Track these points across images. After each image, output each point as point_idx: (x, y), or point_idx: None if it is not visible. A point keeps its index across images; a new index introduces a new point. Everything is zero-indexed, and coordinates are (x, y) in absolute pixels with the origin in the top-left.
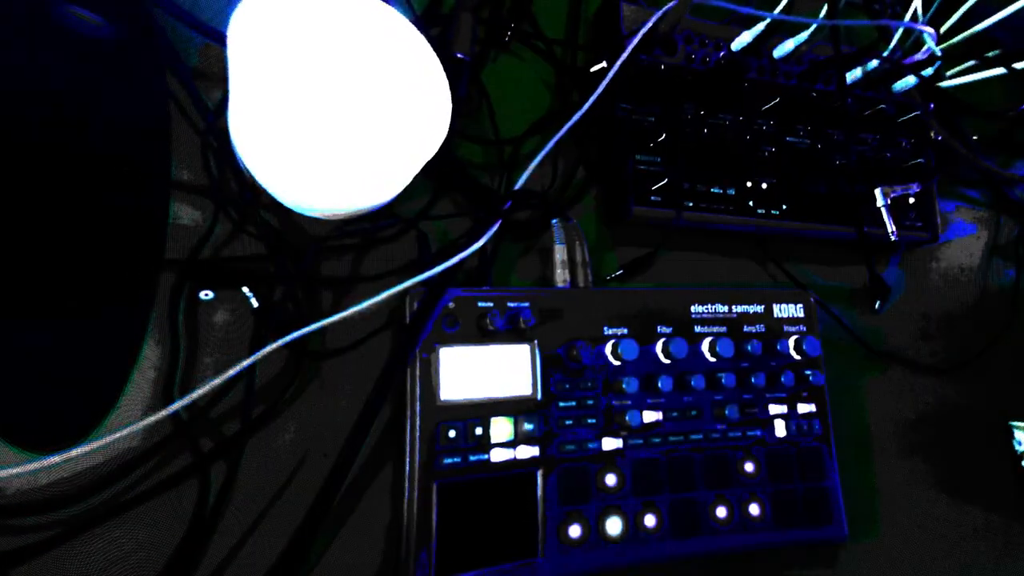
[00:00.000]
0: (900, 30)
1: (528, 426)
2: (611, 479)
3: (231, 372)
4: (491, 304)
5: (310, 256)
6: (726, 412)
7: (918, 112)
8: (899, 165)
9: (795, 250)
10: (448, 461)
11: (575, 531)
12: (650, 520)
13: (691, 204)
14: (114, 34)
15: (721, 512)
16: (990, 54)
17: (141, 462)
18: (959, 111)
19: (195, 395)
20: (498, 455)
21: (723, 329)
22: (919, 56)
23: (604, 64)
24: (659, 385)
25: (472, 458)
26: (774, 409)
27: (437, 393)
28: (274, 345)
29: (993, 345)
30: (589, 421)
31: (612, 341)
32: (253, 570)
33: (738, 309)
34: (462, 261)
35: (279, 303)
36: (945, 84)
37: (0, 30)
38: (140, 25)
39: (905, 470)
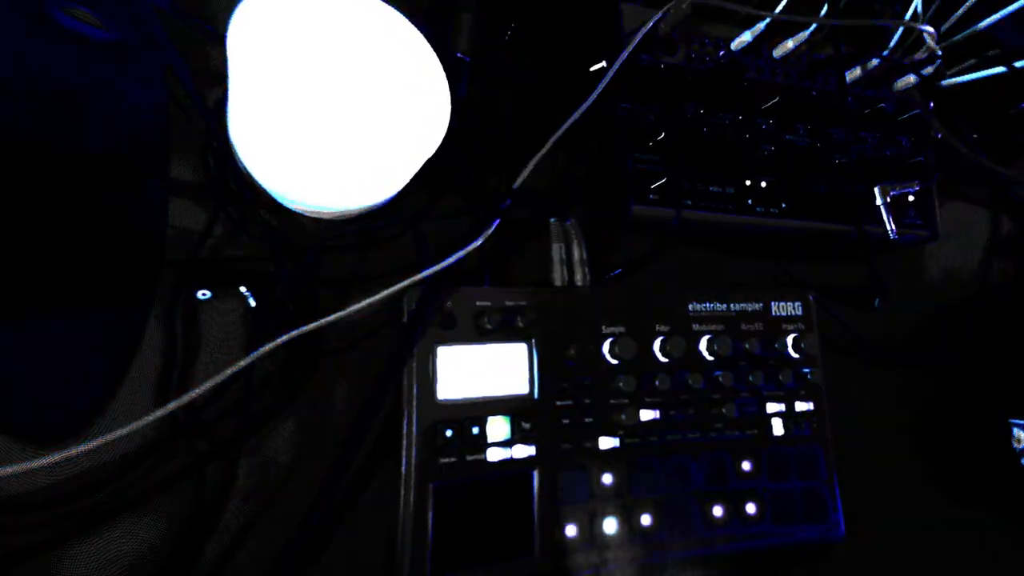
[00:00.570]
0: (900, 29)
1: (525, 425)
2: (607, 478)
3: (228, 372)
4: (489, 303)
5: (308, 256)
6: (723, 411)
7: (918, 111)
8: (899, 164)
9: (795, 248)
10: (444, 461)
11: (571, 531)
12: (646, 520)
13: (690, 203)
14: (114, 33)
15: (718, 511)
16: (990, 53)
17: (137, 463)
18: (959, 110)
19: (192, 395)
20: (495, 454)
21: (721, 327)
22: (919, 55)
23: (603, 64)
24: (656, 384)
25: (469, 458)
26: (772, 408)
27: (434, 392)
28: (272, 345)
29: (992, 343)
30: (586, 420)
31: (610, 340)
32: (250, 571)
33: (736, 307)
34: (460, 260)
35: (277, 303)
36: (945, 83)
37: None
38: (140, 25)
39: (903, 468)
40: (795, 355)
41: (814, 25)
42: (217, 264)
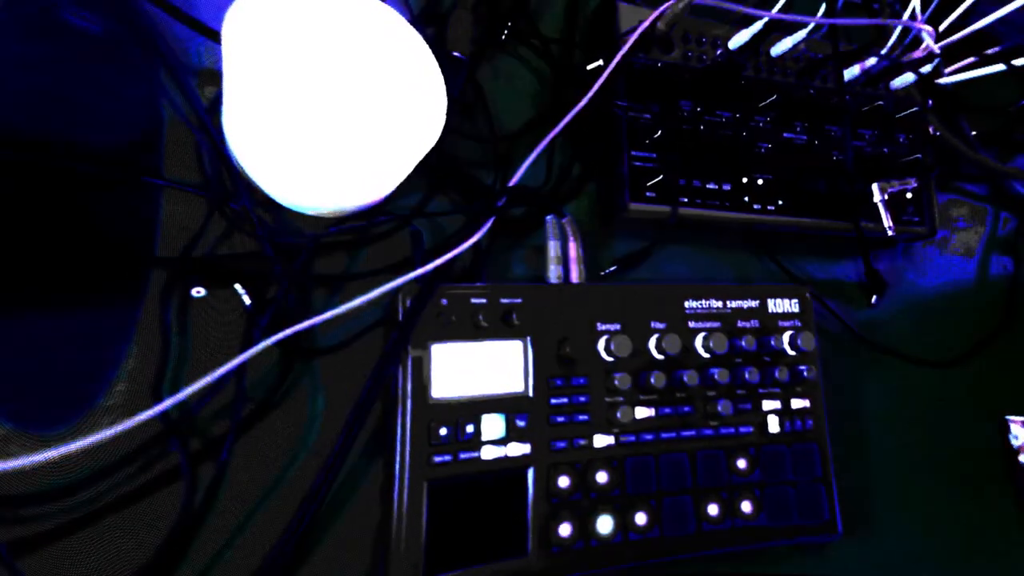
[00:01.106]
0: (898, 28)
1: (520, 423)
2: (602, 477)
3: (222, 370)
4: (484, 300)
5: (303, 253)
6: (719, 408)
7: (916, 108)
8: (897, 161)
9: (792, 245)
10: (439, 459)
11: (565, 530)
12: (641, 518)
13: (686, 200)
14: (106, 29)
15: (713, 510)
16: (990, 51)
17: (128, 462)
18: (958, 107)
19: (185, 393)
20: (489, 453)
21: (717, 324)
22: (917, 54)
23: (600, 62)
24: (652, 381)
25: (463, 456)
26: (768, 405)
27: (429, 390)
28: (266, 343)
29: (990, 339)
30: (581, 418)
31: (605, 337)
32: (240, 571)
33: (732, 304)
34: (456, 258)
35: (272, 301)
36: (944, 81)
37: None
38: (133, 21)
39: (900, 465)
40: (791, 352)
41: (812, 24)
42: (211, 262)
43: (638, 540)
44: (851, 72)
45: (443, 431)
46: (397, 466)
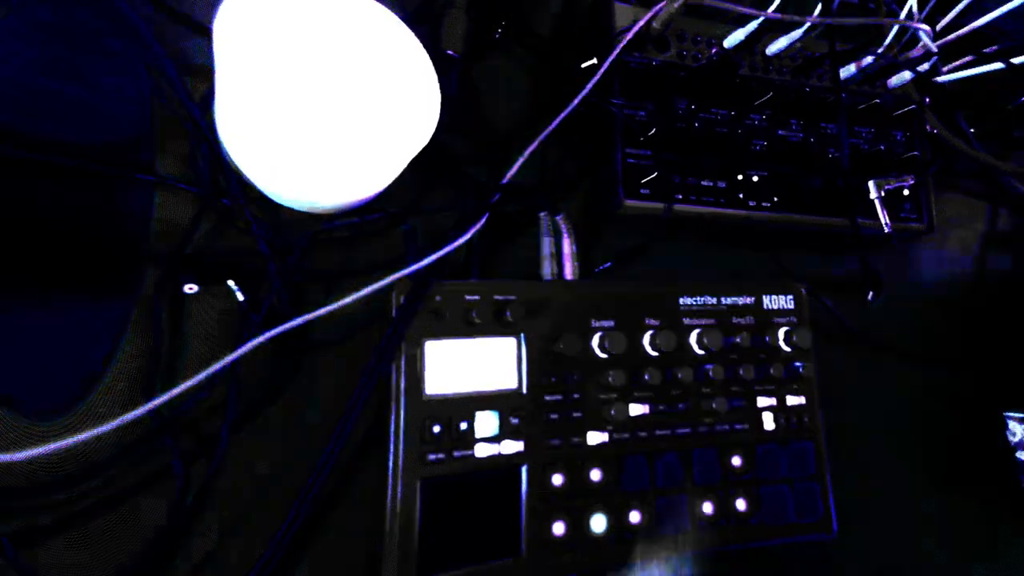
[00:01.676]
0: (895, 28)
1: (513, 420)
2: (596, 474)
3: (215, 367)
4: (478, 297)
5: (296, 250)
6: (714, 405)
7: (913, 107)
8: (894, 158)
9: (788, 242)
10: (432, 457)
11: (559, 528)
12: (635, 517)
13: (681, 197)
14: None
15: (708, 508)
16: (988, 50)
17: (120, 459)
18: (956, 105)
19: (177, 391)
20: (483, 450)
21: (712, 321)
22: (915, 53)
23: (595, 60)
24: (646, 378)
25: (457, 454)
26: (763, 402)
27: (422, 387)
28: (259, 339)
29: (986, 336)
30: (575, 415)
31: (599, 334)
32: (235, 569)
33: (727, 301)
34: (449, 254)
35: (265, 297)
36: (942, 79)
37: None
38: (124, 18)
39: (897, 463)
40: (787, 349)
41: (807, 24)
42: (205, 258)
43: (632, 538)
44: (847, 70)
45: (436, 428)
46: (391, 464)
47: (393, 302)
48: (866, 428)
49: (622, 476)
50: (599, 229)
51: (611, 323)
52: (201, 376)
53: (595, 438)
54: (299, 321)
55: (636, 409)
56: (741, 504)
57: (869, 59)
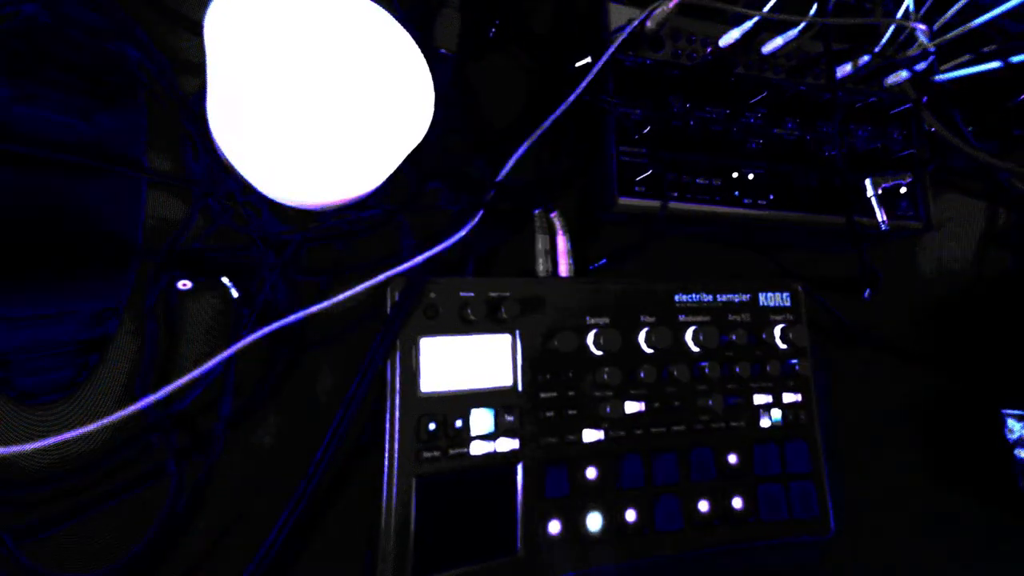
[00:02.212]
0: (892, 27)
1: (508, 418)
2: (591, 473)
3: (209, 364)
4: (472, 294)
5: (291, 246)
6: (709, 403)
7: (910, 105)
8: (890, 156)
9: (785, 240)
10: (427, 455)
11: (554, 527)
12: (631, 515)
13: (676, 194)
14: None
15: (704, 506)
16: (986, 49)
17: (113, 457)
18: (954, 103)
19: (171, 388)
20: (478, 448)
21: (707, 319)
22: (912, 52)
23: (589, 59)
24: (642, 376)
25: (452, 452)
26: (759, 400)
27: (418, 385)
28: (254, 336)
29: (984, 334)
30: (570, 413)
31: (594, 331)
32: (230, 568)
33: (723, 298)
34: (444, 251)
35: (260, 294)
36: (940, 78)
37: None
38: (116, 14)
39: (894, 460)
40: (783, 346)
41: (803, 24)
42: (198, 254)
43: (628, 537)
44: (843, 69)
45: (432, 426)
46: (386, 462)
47: (388, 299)
48: (863, 426)
49: (618, 474)
50: (594, 226)
51: (606, 320)
52: (195, 373)
53: (591, 436)
54: (294, 318)
55: (632, 407)
56: (737, 503)
57: (865, 58)
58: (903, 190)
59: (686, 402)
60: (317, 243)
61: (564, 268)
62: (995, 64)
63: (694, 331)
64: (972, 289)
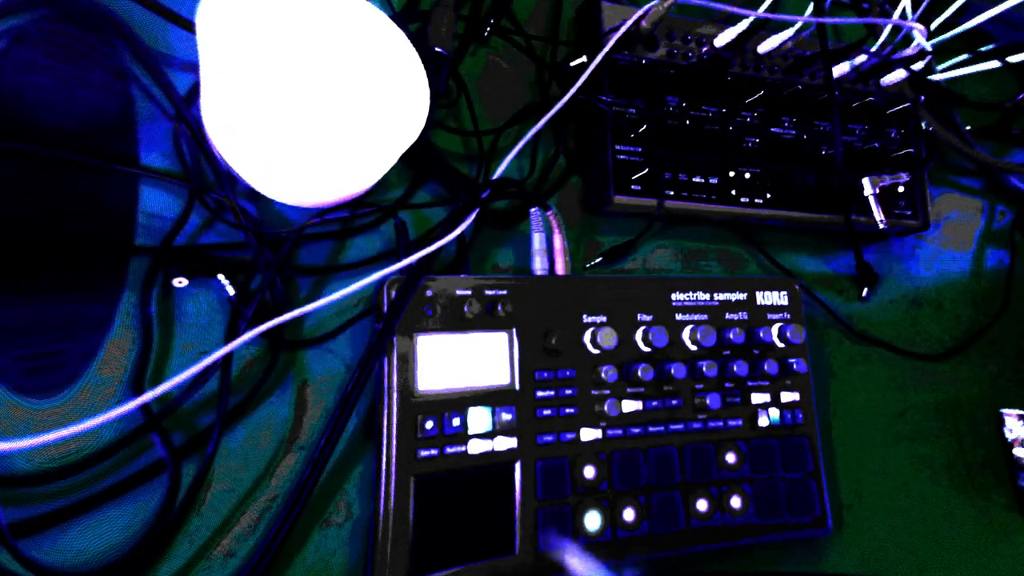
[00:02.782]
0: (888, 27)
1: (506, 416)
2: (589, 471)
3: (205, 362)
4: (469, 292)
5: (286, 244)
6: (707, 402)
7: (907, 104)
8: (888, 155)
9: (782, 239)
10: (425, 454)
11: (553, 526)
12: (629, 514)
13: (672, 193)
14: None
15: (702, 505)
16: (984, 48)
17: (108, 456)
18: (952, 103)
19: (167, 385)
20: (476, 447)
21: (704, 317)
22: (909, 52)
23: (584, 59)
24: (639, 374)
25: (449, 450)
26: (757, 398)
27: (414, 383)
28: (250, 334)
29: (983, 332)
30: (568, 411)
31: (591, 329)
32: (226, 567)
33: (720, 297)
34: (440, 249)
35: (256, 291)
36: (937, 77)
37: None
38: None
39: (892, 459)
40: (781, 345)
41: (799, 23)
42: (194, 252)
43: (626, 536)
44: (840, 69)
45: (429, 424)
46: (383, 460)
47: (384, 297)
48: (861, 425)
49: (616, 473)
50: (591, 224)
51: (603, 318)
52: (191, 371)
53: (588, 434)
54: (290, 316)
55: (629, 405)
56: (736, 501)
57: (863, 57)
58: (901, 189)
59: (684, 401)
60: (313, 241)
61: (561, 266)
62: (993, 64)
63: (691, 330)
64: (969, 287)
